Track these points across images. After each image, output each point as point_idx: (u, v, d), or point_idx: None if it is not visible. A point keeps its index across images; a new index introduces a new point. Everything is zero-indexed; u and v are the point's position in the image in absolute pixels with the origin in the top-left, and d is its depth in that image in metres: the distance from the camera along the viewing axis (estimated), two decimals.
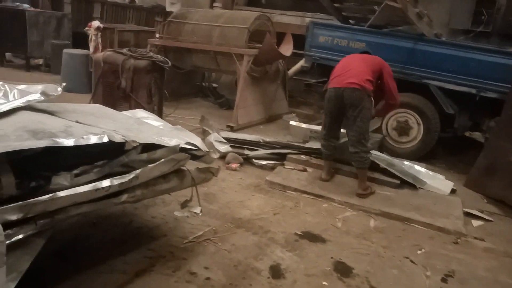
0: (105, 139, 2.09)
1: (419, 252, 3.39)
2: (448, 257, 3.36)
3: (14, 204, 1.80)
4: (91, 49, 7.42)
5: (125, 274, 2.66)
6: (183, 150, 2.60)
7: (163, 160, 2.33)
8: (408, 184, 4.63)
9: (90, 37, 7.42)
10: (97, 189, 2.02)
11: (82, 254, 2.82)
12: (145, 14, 10.04)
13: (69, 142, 1.98)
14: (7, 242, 1.74)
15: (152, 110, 5.12)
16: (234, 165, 4.77)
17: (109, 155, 2.30)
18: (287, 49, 7.03)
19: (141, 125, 2.80)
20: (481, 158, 4.97)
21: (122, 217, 3.37)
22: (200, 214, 3.46)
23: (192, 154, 2.73)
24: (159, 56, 5.34)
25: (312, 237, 3.44)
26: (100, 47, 7.24)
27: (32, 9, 9.51)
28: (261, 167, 4.90)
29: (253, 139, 5.30)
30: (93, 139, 2.06)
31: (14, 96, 2.45)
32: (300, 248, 3.26)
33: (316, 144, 5.31)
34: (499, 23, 7.93)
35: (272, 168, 4.87)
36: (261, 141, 5.25)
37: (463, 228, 3.82)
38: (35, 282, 2.28)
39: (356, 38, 5.93)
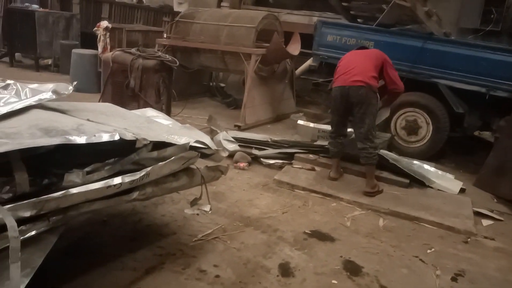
0: (117, 137, 2.10)
1: (429, 251, 3.37)
2: (458, 257, 3.34)
3: (27, 201, 1.82)
4: (100, 49, 7.47)
5: (136, 271, 2.67)
6: (192, 148, 2.61)
7: (173, 158, 2.34)
8: (417, 183, 4.61)
9: (98, 37, 7.47)
10: (109, 187, 2.03)
11: (92, 251, 2.84)
12: (153, 14, 10.08)
13: (81, 140, 1.99)
14: (21, 238, 1.76)
15: (160, 110, 5.13)
16: (242, 164, 4.78)
17: (120, 153, 2.32)
18: (294, 48, 7.03)
19: (151, 123, 2.81)
20: (490, 157, 4.93)
21: (132, 215, 3.40)
22: (210, 212, 3.47)
23: (202, 152, 2.74)
24: (167, 55, 5.36)
25: (321, 236, 3.44)
26: (109, 47, 7.29)
27: (41, 9, 9.60)
28: (269, 166, 4.91)
29: (261, 139, 5.31)
30: (105, 137, 2.08)
31: (26, 94, 2.48)
32: (309, 246, 3.26)
33: (324, 143, 5.31)
34: (508, 21, 7.90)
35: (280, 167, 4.87)
36: (269, 140, 5.25)
37: (473, 227, 3.80)
38: (46, 279, 2.29)
39: (364, 37, 5.91)
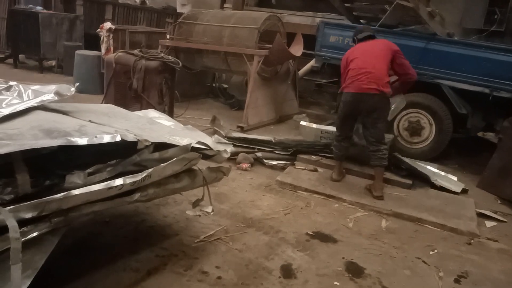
0: (118, 138, 2.11)
1: (431, 253, 3.36)
2: (461, 258, 3.32)
3: (29, 202, 1.83)
4: (103, 50, 7.50)
5: (138, 272, 2.68)
6: (194, 149, 2.61)
7: (174, 159, 2.34)
8: (420, 184, 4.60)
9: (101, 38, 7.49)
10: (110, 188, 2.03)
11: (95, 252, 2.84)
12: (156, 15, 10.10)
13: (82, 141, 2.00)
14: (22, 239, 1.77)
15: (163, 111, 5.15)
16: (244, 165, 4.78)
17: (122, 154, 2.32)
18: (297, 49, 7.02)
19: (153, 124, 2.82)
20: (494, 159, 4.91)
21: (134, 216, 3.40)
22: (212, 214, 3.46)
23: (203, 153, 2.74)
24: (170, 56, 5.37)
25: (323, 237, 3.43)
26: (112, 48, 7.31)
27: (45, 11, 9.63)
28: (272, 167, 4.90)
29: (264, 139, 5.30)
30: (106, 138, 2.08)
31: (28, 96, 2.49)
32: (311, 248, 3.25)
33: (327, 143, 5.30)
34: None
35: (283, 168, 4.87)
36: (273, 140, 5.24)
37: (476, 229, 3.78)
38: (49, 279, 2.30)
39: None
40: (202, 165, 2.87)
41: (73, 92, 2.57)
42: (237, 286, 2.66)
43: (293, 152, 5.08)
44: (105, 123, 2.43)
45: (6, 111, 2.27)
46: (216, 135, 5.13)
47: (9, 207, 1.75)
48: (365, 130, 4.28)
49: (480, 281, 3.05)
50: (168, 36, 7.49)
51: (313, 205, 4.04)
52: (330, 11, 8.34)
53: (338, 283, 2.82)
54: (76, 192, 1.94)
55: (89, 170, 2.07)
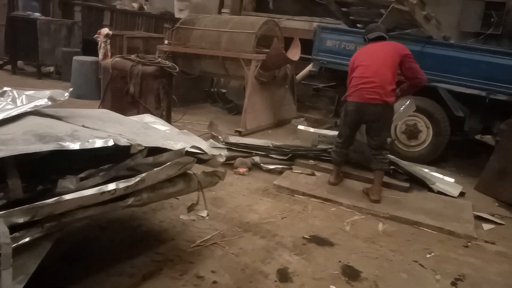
0: (110, 143, 2.10)
1: (428, 256, 3.35)
2: (458, 261, 3.31)
3: (20, 207, 1.82)
4: (101, 56, 7.52)
5: (133, 277, 2.66)
6: (189, 153, 2.61)
7: (169, 163, 2.33)
8: (418, 187, 4.60)
9: (99, 44, 7.51)
10: (103, 193, 2.03)
11: (90, 257, 2.83)
12: (154, 20, 10.15)
13: (74, 145, 2.00)
14: (14, 245, 1.76)
15: (160, 116, 5.15)
16: (242, 170, 4.77)
17: (117, 158, 2.32)
18: (294, 53, 7.04)
19: (148, 129, 2.82)
20: (492, 161, 4.91)
21: (130, 220, 3.39)
22: (207, 218, 3.46)
23: (199, 158, 2.73)
24: (167, 62, 5.38)
25: (320, 241, 3.42)
26: (110, 54, 7.33)
27: (43, 17, 9.66)
28: (269, 171, 4.89)
29: (261, 144, 5.30)
30: (99, 143, 2.08)
31: (22, 101, 2.49)
32: (308, 251, 3.24)
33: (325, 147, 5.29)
34: (508, 25, 7.91)
35: (280, 172, 4.86)
36: (271, 145, 5.23)
37: (473, 231, 3.77)
38: (44, 284, 2.29)
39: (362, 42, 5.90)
40: (197, 169, 2.88)
41: (66, 97, 2.57)
42: None
43: (291, 156, 5.07)
44: (98, 128, 2.43)
45: None
46: (211, 139, 5.12)
47: (0, 212, 1.75)
48: (368, 137, 4.26)
49: (477, 283, 3.03)
50: (166, 41, 7.51)
51: (310, 209, 4.03)
52: (327, 16, 8.37)
53: (334, 287, 2.80)
54: (68, 197, 1.93)
55: (81, 175, 2.07)
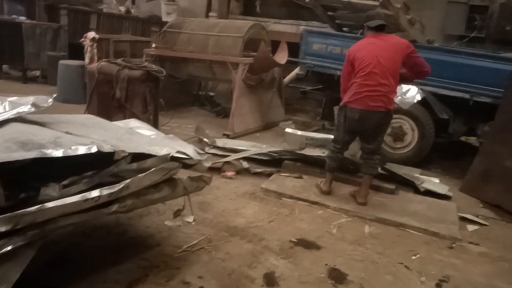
0: (94, 150, 2.10)
1: (414, 257, 3.38)
2: (443, 262, 3.35)
3: (3, 216, 1.81)
4: (87, 60, 7.48)
5: (118, 284, 2.65)
6: (174, 159, 2.61)
7: (153, 169, 2.33)
8: (403, 189, 4.65)
9: (85, 48, 7.47)
10: (86, 200, 2.02)
11: (75, 264, 2.81)
12: (141, 24, 10.12)
13: (57, 153, 1.99)
14: None
15: (147, 120, 5.13)
16: (229, 173, 4.77)
17: (101, 165, 2.31)
18: (282, 57, 7.08)
19: (133, 134, 2.81)
20: (476, 163, 4.98)
21: (115, 226, 3.37)
22: (193, 223, 3.46)
23: (184, 163, 2.73)
24: (154, 65, 5.36)
25: (306, 244, 3.44)
26: (96, 58, 7.29)
27: (29, 21, 9.56)
28: (257, 174, 4.90)
29: (249, 147, 5.31)
30: (82, 150, 2.07)
31: (5, 108, 2.47)
32: (295, 255, 3.25)
33: (312, 151, 5.32)
34: (492, 28, 8.05)
35: (268, 175, 4.87)
36: (258, 148, 5.24)
37: (458, 233, 3.82)
38: None
39: (349, 45, 5.89)
40: (184, 174, 2.87)
41: (50, 103, 2.56)
42: None
43: (278, 159, 5.09)
44: (82, 134, 2.42)
45: None
46: (191, 145, 5.08)
47: None
48: (363, 142, 4.18)
49: (461, 284, 3.07)
50: (153, 45, 7.49)
51: (298, 212, 4.04)
52: (314, 20, 8.43)
53: None
54: (50, 204, 1.92)
55: (64, 182, 2.06)
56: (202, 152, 2.89)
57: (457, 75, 5.27)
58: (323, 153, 5.31)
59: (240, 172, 4.90)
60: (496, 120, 4.94)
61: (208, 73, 7.26)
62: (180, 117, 7.10)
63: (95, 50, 7.36)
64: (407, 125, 5.56)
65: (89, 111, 5.03)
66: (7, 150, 1.97)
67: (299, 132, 5.94)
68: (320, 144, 5.64)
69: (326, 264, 3.15)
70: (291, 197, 4.33)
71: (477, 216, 4.30)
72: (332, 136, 5.63)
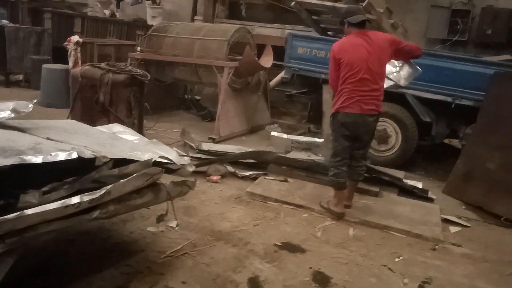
0: (74, 156, 2.08)
1: (397, 259, 3.41)
2: (426, 264, 3.39)
3: None
4: (71, 63, 7.40)
5: None
6: (157, 164, 2.60)
7: (135, 175, 2.32)
8: (387, 191, 4.70)
9: (69, 51, 7.39)
10: (67, 206, 2.00)
11: (58, 271, 2.78)
12: (126, 27, 10.04)
13: (37, 159, 1.96)
14: None
15: (132, 124, 5.10)
16: (215, 177, 4.76)
17: (83, 171, 2.29)
18: (267, 60, 7.10)
19: (115, 140, 2.79)
20: (458, 165, 5.05)
21: (99, 232, 3.34)
22: (177, 228, 3.44)
23: (167, 168, 2.72)
24: (138, 69, 5.33)
25: (291, 248, 3.45)
26: (80, 62, 7.22)
27: (11, 24, 9.44)
28: (243, 178, 4.90)
29: (235, 150, 5.31)
30: (62, 156, 2.05)
31: None
32: (280, 259, 3.26)
33: (296, 155, 5.35)
34: (474, 32, 8.19)
35: (254, 179, 4.87)
36: (243, 151, 5.24)
37: (440, 234, 3.86)
38: None
39: None
40: (168, 179, 2.86)
41: (31, 109, 2.53)
42: None
43: (263, 162, 5.09)
44: (63, 140, 2.39)
45: None
46: (175, 148, 5.04)
47: None
48: (354, 148, 4.01)
49: (444, 286, 3.11)
50: (138, 49, 7.45)
51: (283, 216, 4.05)
52: (299, 23, 8.47)
53: None
54: (30, 211, 1.90)
55: (44, 189, 2.03)
56: (185, 155, 2.89)
57: (439, 78, 5.35)
58: (308, 156, 5.38)
59: (226, 176, 4.90)
60: (477, 123, 5.03)
61: (194, 76, 7.25)
62: (165, 121, 7.07)
63: (79, 54, 7.29)
64: (391, 128, 5.62)
65: (72, 115, 4.98)
66: None
67: (285, 136, 5.97)
68: (306, 147, 5.69)
69: (311, 268, 3.16)
70: (276, 200, 4.33)
71: (460, 218, 4.36)
72: (318, 140, 5.73)
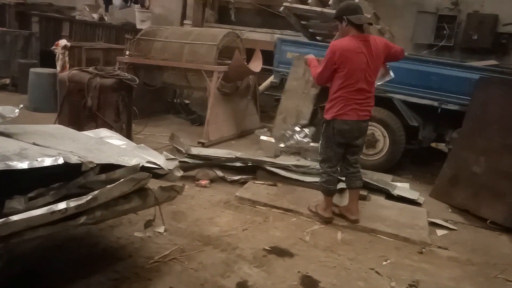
0: (60, 161, 2.07)
1: (384, 263, 3.44)
2: (413, 267, 3.42)
3: None
4: (58, 68, 7.34)
5: None
6: (145, 169, 2.59)
7: (122, 180, 2.31)
8: (375, 195, 4.73)
9: (57, 55, 7.34)
10: (53, 212, 1.99)
11: (45, 278, 2.75)
12: (115, 31, 9.99)
13: (22, 165, 1.95)
14: None
15: (120, 129, 5.08)
16: (204, 182, 4.76)
17: (69, 176, 2.27)
18: (256, 65, 7.12)
19: (102, 145, 2.78)
20: (445, 168, 5.11)
21: (87, 238, 3.31)
22: (164, 234, 3.42)
23: (155, 173, 2.72)
24: (126, 74, 5.31)
25: (280, 252, 3.45)
26: (68, 66, 7.17)
27: None
28: (232, 182, 4.90)
29: (224, 155, 5.31)
30: (48, 162, 2.04)
31: None
32: (268, 263, 3.26)
33: (286, 159, 5.36)
34: (460, 37, 8.32)
35: (243, 183, 4.88)
36: (232, 156, 5.24)
37: (427, 238, 3.90)
38: None
39: (322, 54, 5.99)
40: (155, 184, 2.85)
41: (16, 114, 2.51)
42: None
43: (253, 167, 5.10)
44: (50, 145, 2.38)
45: None
46: (164, 152, 5.01)
47: None
48: (348, 154, 3.98)
49: None
50: (127, 53, 7.42)
51: (272, 220, 4.06)
52: (288, 28, 8.53)
53: None
54: (15, 218, 1.88)
55: (30, 195, 2.02)
56: (174, 158, 2.89)
57: (425, 83, 5.42)
58: (297, 160, 5.40)
59: (215, 180, 4.89)
60: (463, 127, 5.10)
61: (183, 81, 7.24)
62: (154, 125, 7.05)
63: (67, 58, 7.24)
64: (379, 132, 5.67)
65: (60, 120, 4.94)
66: None
67: (274, 140, 5.99)
68: (295, 151, 5.71)
69: (299, 272, 3.17)
70: (265, 205, 4.34)
71: (447, 221, 4.40)
72: (307, 144, 5.75)
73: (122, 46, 8.57)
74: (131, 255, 3.13)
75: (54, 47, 7.47)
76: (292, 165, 5.07)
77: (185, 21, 9.98)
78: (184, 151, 5.40)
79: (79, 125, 4.69)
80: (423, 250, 3.73)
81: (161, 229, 3.25)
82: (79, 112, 4.89)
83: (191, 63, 6.80)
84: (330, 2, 6.13)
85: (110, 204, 2.39)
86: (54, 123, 4.71)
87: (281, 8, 6.77)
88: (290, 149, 5.76)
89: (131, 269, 2.95)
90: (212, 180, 4.86)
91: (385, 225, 4.03)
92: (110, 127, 4.56)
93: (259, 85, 8.04)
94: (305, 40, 6.93)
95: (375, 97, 4.00)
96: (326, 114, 3.87)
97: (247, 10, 9.54)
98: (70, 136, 2.81)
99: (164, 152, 4.88)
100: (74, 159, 2.14)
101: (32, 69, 7.80)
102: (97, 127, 4.32)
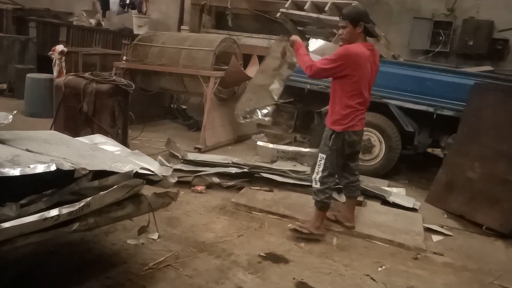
0: (53, 168, 2.06)
1: (379, 269, 3.44)
2: (408, 273, 3.42)
3: None
4: (55, 73, 7.34)
5: None
6: (138, 175, 2.59)
7: (115, 186, 2.31)
8: (371, 201, 4.73)
9: (54, 61, 7.34)
10: (45, 219, 1.98)
11: (39, 284, 2.75)
12: (112, 37, 9.98)
13: (14, 171, 1.95)
14: None
15: (116, 134, 5.07)
16: (199, 188, 4.75)
17: (62, 182, 2.27)
18: (253, 70, 7.11)
19: (96, 151, 2.77)
20: (440, 174, 5.11)
21: (81, 244, 3.30)
22: (159, 240, 3.41)
23: (149, 179, 2.71)
24: (122, 79, 5.31)
25: (275, 258, 3.45)
26: (64, 71, 7.17)
27: None
28: (228, 188, 4.89)
29: (220, 160, 5.30)
30: (40, 168, 2.03)
31: None
32: (263, 270, 3.25)
33: (283, 165, 5.36)
34: (456, 43, 8.37)
35: (239, 189, 4.87)
36: (229, 161, 5.24)
37: (422, 244, 3.90)
38: None
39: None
40: (149, 190, 2.85)
41: (10, 120, 2.51)
42: None
43: (249, 173, 5.09)
44: (43, 152, 2.38)
45: None
46: (160, 158, 5.00)
47: None
48: (349, 161, 3.94)
49: None
50: (124, 58, 7.43)
51: (267, 226, 4.06)
52: (284, 34, 8.53)
53: None
54: (7, 225, 1.88)
55: (22, 201, 2.01)
56: (168, 165, 2.88)
57: (421, 89, 5.44)
58: (294, 166, 5.40)
59: (211, 186, 4.89)
60: (458, 133, 5.11)
61: (180, 86, 7.24)
62: (151, 130, 7.05)
63: (64, 63, 7.24)
64: (375, 137, 5.68)
65: (55, 125, 4.94)
66: None
67: (271, 145, 5.98)
68: (292, 156, 5.71)
69: (294, 278, 3.17)
70: (261, 210, 4.34)
71: (442, 227, 4.41)
72: (304, 149, 5.75)
73: (119, 52, 8.56)
74: (125, 261, 3.12)
75: (51, 52, 7.47)
76: (288, 170, 5.07)
77: (182, 27, 9.98)
78: (180, 157, 5.39)
79: (75, 130, 4.69)
80: (418, 256, 3.73)
81: (154, 236, 3.24)
82: (75, 118, 4.88)
83: (188, 69, 6.81)
84: (326, 8, 6.16)
85: (103, 211, 2.38)
86: (50, 129, 4.71)
87: (278, 14, 6.79)
88: (286, 155, 5.76)
89: (125, 276, 2.94)
90: (208, 186, 4.86)
91: (380, 231, 4.03)
92: (106, 133, 4.56)
93: None
94: None
95: (372, 103, 3.98)
96: (334, 125, 3.68)
97: (244, 15, 9.55)
98: (64, 142, 2.81)
99: (159, 158, 4.91)
100: (67, 166, 2.14)
101: (28, 75, 7.79)
102: (93, 133, 4.32)
